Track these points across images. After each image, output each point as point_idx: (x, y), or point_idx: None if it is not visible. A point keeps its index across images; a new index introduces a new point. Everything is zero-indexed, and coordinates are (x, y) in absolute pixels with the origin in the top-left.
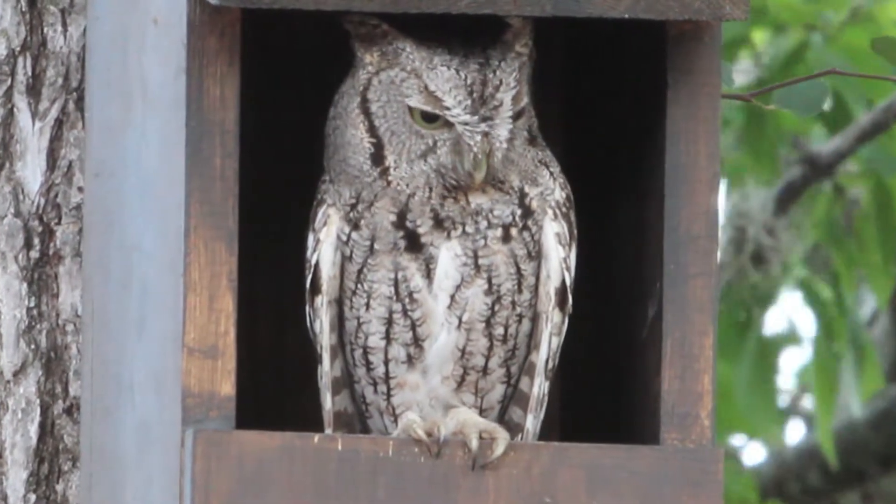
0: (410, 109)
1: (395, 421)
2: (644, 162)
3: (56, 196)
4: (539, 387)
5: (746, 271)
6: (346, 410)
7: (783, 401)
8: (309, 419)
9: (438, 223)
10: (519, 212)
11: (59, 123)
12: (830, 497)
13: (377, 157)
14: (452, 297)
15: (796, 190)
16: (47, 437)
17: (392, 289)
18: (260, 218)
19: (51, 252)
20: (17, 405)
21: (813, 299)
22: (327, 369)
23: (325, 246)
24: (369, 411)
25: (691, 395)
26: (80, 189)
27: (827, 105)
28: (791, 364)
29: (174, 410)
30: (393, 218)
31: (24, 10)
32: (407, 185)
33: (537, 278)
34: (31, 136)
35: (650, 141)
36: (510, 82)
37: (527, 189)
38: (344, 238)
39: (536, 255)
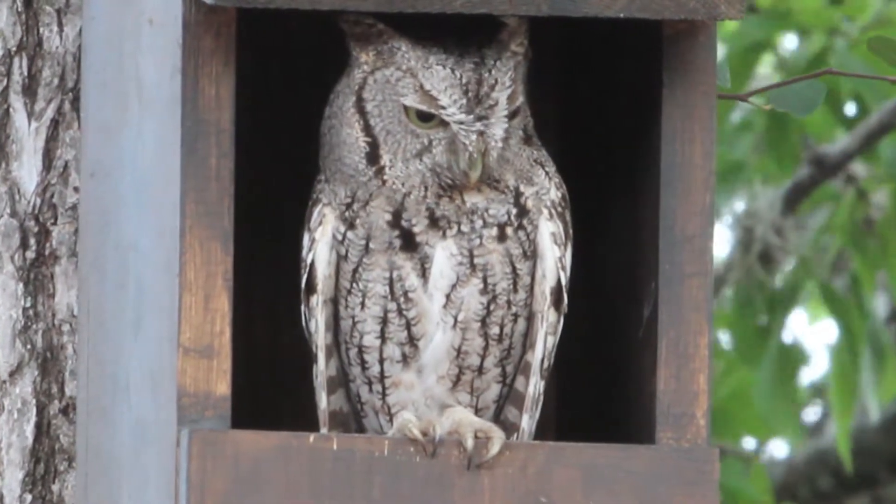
0: (406, 108)
1: (391, 420)
2: (639, 161)
3: (52, 196)
4: (534, 386)
5: (754, 271)
6: (342, 410)
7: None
8: (305, 419)
9: (434, 222)
10: (514, 211)
11: (55, 123)
12: (841, 501)
13: (372, 157)
14: (448, 296)
15: (804, 189)
16: (43, 438)
17: (387, 288)
18: (255, 217)
19: (47, 252)
20: (13, 405)
21: (833, 303)
22: (322, 368)
23: (320, 245)
24: (364, 410)
25: (687, 395)
26: (76, 189)
27: (851, 109)
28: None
29: (170, 410)
30: (388, 217)
31: (20, 10)
32: (402, 185)
33: (533, 278)
34: (27, 136)
35: (645, 140)
36: (505, 81)
37: (522, 188)
38: (339, 237)
39: (532, 255)
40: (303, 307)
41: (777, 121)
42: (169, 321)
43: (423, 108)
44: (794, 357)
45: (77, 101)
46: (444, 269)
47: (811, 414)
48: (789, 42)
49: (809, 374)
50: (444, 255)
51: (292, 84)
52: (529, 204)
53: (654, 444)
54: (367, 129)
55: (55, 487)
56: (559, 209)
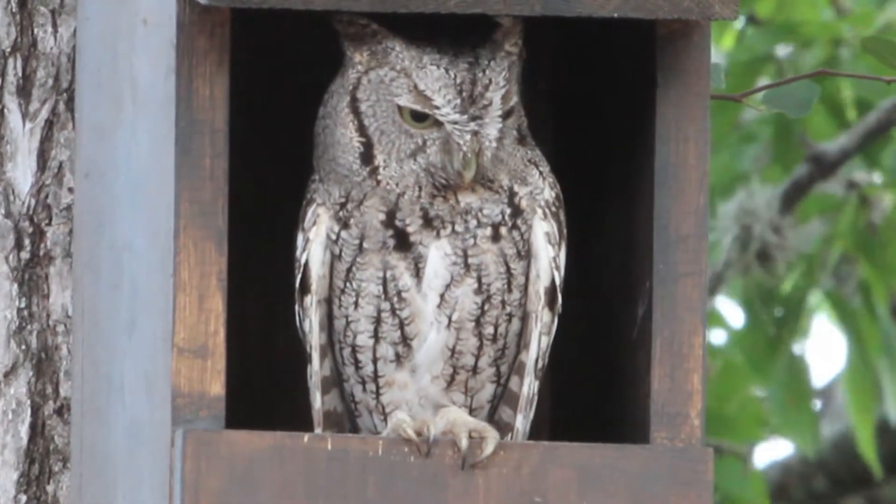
0: (400, 109)
1: (385, 420)
2: (634, 161)
3: (46, 197)
4: (529, 386)
5: (752, 270)
6: (336, 410)
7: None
8: (299, 418)
9: (428, 222)
10: (508, 211)
11: (49, 124)
12: (836, 502)
13: (367, 157)
14: (442, 296)
15: (803, 188)
16: (38, 438)
17: (380, 287)
18: (250, 217)
19: (41, 253)
20: (7, 406)
21: (841, 312)
22: (317, 368)
23: (314, 245)
24: (358, 410)
25: (681, 395)
26: (71, 190)
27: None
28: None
29: (164, 410)
30: (382, 217)
31: (14, 10)
32: (396, 185)
33: (527, 277)
34: (22, 136)
35: (640, 140)
36: (499, 81)
37: (516, 188)
38: (333, 237)
39: (526, 255)
40: (297, 307)
41: (783, 129)
42: (163, 321)
43: (418, 108)
44: (804, 367)
45: (71, 102)
46: (438, 268)
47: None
48: (783, 50)
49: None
50: (438, 254)
51: (286, 84)
52: (523, 204)
53: (648, 444)
54: (362, 130)
55: (50, 488)
56: (553, 209)
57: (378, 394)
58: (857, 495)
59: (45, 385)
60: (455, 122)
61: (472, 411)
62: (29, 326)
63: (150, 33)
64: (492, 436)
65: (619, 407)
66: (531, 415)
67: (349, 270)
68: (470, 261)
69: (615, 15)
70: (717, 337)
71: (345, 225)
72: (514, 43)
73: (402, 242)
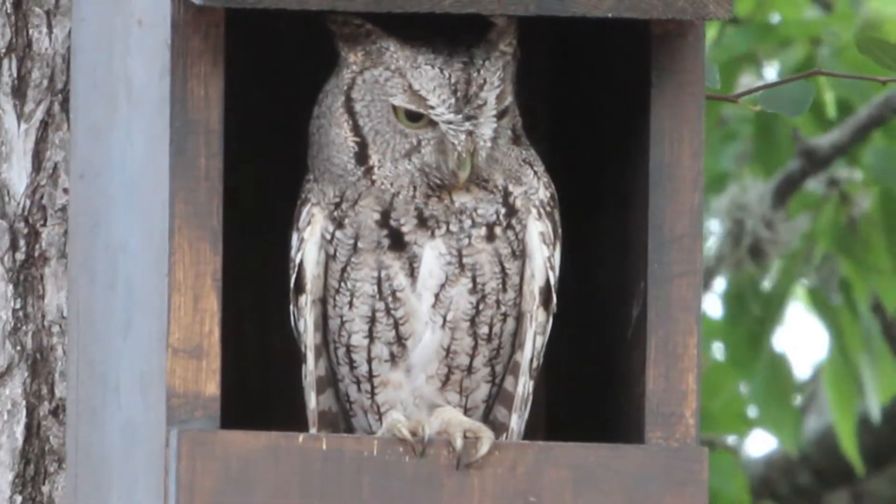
0: (395, 108)
1: (380, 419)
2: (628, 161)
3: (41, 198)
4: (524, 386)
5: (744, 265)
6: (331, 409)
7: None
8: (294, 418)
9: (422, 222)
10: (503, 211)
11: (44, 125)
12: (820, 497)
13: (361, 157)
14: (437, 295)
15: (795, 183)
16: (33, 439)
17: (375, 287)
18: (244, 217)
19: (36, 254)
20: (2, 407)
21: (822, 309)
22: (311, 368)
23: (309, 245)
24: (353, 410)
25: (676, 395)
26: (66, 191)
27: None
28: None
29: (159, 410)
30: (377, 217)
31: (9, 11)
32: (391, 185)
33: (521, 277)
34: (17, 137)
35: (634, 140)
36: (494, 81)
37: (511, 188)
38: (328, 237)
39: (521, 255)
40: (291, 307)
41: (765, 127)
42: (158, 321)
43: (412, 107)
44: (786, 364)
45: (66, 103)
46: (432, 268)
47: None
48: (770, 54)
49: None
50: (432, 254)
51: (281, 84)
52: (518, 204)
53: (643, 444)
54: (356, 129)
55: (45, 489)
56: (548, 209)
57: (373, 394)
58: (842, 490)
59: (41, 386)
60: (450, 122)
61: (466, 411)
62: (24, 327)
63: (144, 34)
64: (487, 436)
65: (614, 407)
66: (526, 415)
67: (344, 270)
68: (464, 260)
69: (609, 15)
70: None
71: (339, 225)
72: (508, 43)
73: (397, 242)
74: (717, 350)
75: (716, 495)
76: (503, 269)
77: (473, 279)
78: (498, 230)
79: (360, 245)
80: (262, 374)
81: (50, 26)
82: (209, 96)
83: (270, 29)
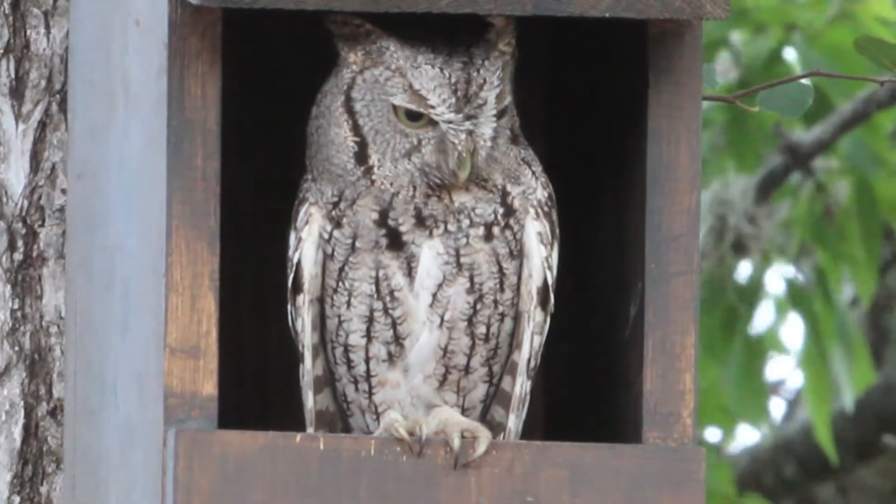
0: (395, 108)
1: (378, 419)
2: (626, 161)
3: (39, 198)
4: (521, 386)
5: (727, 260)
6: (328, 409)
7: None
8: (292, 418)
9: (420, 221)
10: (501, 210)
11: (42, 125)
12: (806, 489)
13: (361, 156)
14: (434, 295)
15: (777, 178)
16: (31, 439)
17: (373, 287)
18: (242, 217)
19: (34, 254)
20: (0, 407)
21: (798, 299)
22: (309, 368)
23: (306, 244)
24: (351, 410)
25: (673, 395)
26: (64, 191)
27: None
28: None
29: (157, 411)
30: (375, 216)
31: (6, 12)
32: (391, 184)
33: (519, 277)
34: (15, 138)
35: (632, 140)
36: (494, 81)
37: (509, 188)
38: (326, 236)
39: (518, 254)
40: (289, 306)
41: (736, 117)
42: (155, 322)
43: (413, 107)
44: (760, 349)
45: (64, 103)
46: (430, 268)
47: (781, 401)
48: (744, 39)
49: (778, 365)
50: (430, 254)
51: (279, 84)
52: (516, 203)
53: (640, 444)
54: (356, 129)
55: (43, 489)
56: (545, 209)
57: (370, 393)
58: (828, 482)
59: (39, 386)
60: (450, 122)
61: (464, 411)
62: (22, 328)
63: (142, 34)
64: (484, 435)
65: (612, 407)
66: (523, 414)
67: (341, 270)
68: (462, 260)
69: (607, 15)
70: None
71: (337, 224)
72: (507, 42)
73: (395, 242)
74: None
75: None
76: (501, 269)
77: (471, 279)
78: (496, 230)
79: (357, 245)
80: (259, 374)
81: (48, 27)
82: (206, 96)
83: (268, 29)
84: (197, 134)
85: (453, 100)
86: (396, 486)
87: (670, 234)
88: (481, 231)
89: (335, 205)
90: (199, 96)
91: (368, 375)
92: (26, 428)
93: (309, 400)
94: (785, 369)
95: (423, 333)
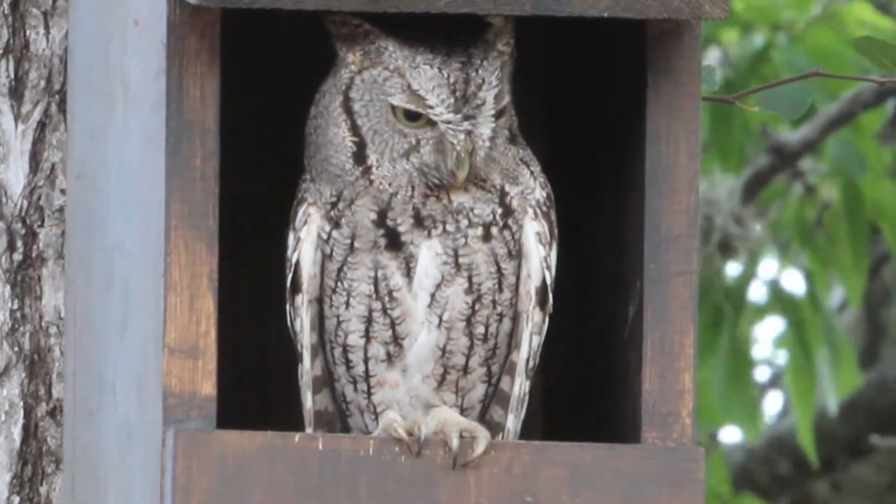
0: (393, 108)
1: (376, 419)
2: (625, 161)
3: (39, 199)
4: (520, 386)
5: (714, 261)
6: (327, 409)
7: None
8: (291, 418)
9: (419, 222)
10: (499, 210)
11: (41, 126)
12: (800, 486)
13: (359, 156)
14: (433, 295)
15: (764, 178)
16: (31, 440)
17: (372, 287)
18: (240, 217)
19: (34, 254)
20: (0, 407)
21: (784, 302)
22: (308, 368)
23: (305, 245)
24: (350, 410)
25: (672, 394)
26: (63, 191)
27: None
28: (769, 333)
29: (155, 411)
30: (373, 216)
31: (6, 12)
32: (389, 185)
33: (518, 277)
34: (14, 138)
35: (631, 140)
36: (492, 81)
37: (507, 188)
38: (324, 236)
39: (517, 254)
40: (288, 307)
41: (721, 116)
42: (154, 322)
43: (411, 107)
44: (747, 352)
45: (64, 104)
46: (428, 268)
47: (774, 399)
48: (732, 39)
49: (767, 367)
50: (429, 254)
51: (277, 84)
52: (514, 203)
53: (639, 444)
54: (355, 129)
55: (43, 490)
56: (544, 209)
57: (369, 393)
58: (822, 479)
59: (38, 386)
60: (448, 122)
61: (463, 411)
62: (21, 328)
63: (141, 34)
64: (483, 435)
65: (611, 407)
66: (522, 414)
67: (340, 270)
68: (461, 260)
69: (605, 15)
70: None
71: (336, 224)
72: (506, 42)
73: (394, 242)
74: None
75: None
76: (499, 269)
77: (469, 279)
78: (494, 230)
79: (356, 245)
80: (258, 375)
81: (47, 27)
82: (205, 96)
83: (266, 29)
84: (196, 134)
85: (452, 100)
86: (395, 486)
87: (669, 234)
88: (480, 231)
89: (334, 205)
90: (197, 97)
91: (367, 375)
92: (26, 428)
93: (308, 400)
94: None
95: (421, 333)
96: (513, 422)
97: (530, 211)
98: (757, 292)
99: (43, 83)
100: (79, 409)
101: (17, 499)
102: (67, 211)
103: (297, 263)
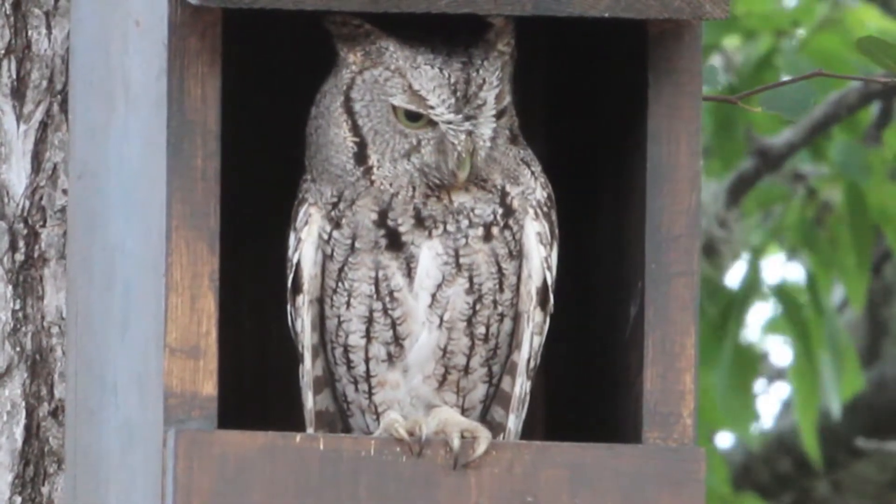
0: (394, 108)
1: (377, 419)
2: (625, 161)
3: (41, 199)
4: (521, 386)
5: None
6: (328, 409)
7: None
8: (292, 418)
9: (420, 222)
10: (500, 211)
11: (43, 126)
12: (801, 485)
13: (360, 157)
14: (433, 296)
15: (748, 182)
16: (33, 440)
17: (372, 287)
18: (242, 217)
19: (36, 255)
20: (2, 408)
21: (788, 306)
22: (309, 368)
23: (306, 245)
24: (351, 410)
25: (673, 395)
26: (65, 191)
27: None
28: (758, 318)
29: (156, 411)
30: (374, 216)
31: (8, 13)
32: (390, 185)
33: (518, 278)
34: (16, 138)
35: (632, 140)
36: (493, 81)
37: (508, 188)
38: (325, 237)
39: (518, 255)
40: (289, 307)
41: (724, 121)
42: (155, 322)
43: (412, 107)
44: (750, 358)
45: (66, 104)
46: (429, 268)
47: (776, 398)
48: (735, 45)
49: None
50: (429, 254)
51: (278, 84)
52: (515, 204)
53: (640, 444)
54: (356, 129)
55: (45, 490)
56: (545, 209)
57: (370, 393)
58: (822, 478)
59: (40, 387)
60: (449, 122)
61: (464, 411)
62: (24, 328)
63: (142, 34)
64: (484, 435)
65: (612, 407)
66: (523, 415)
67: (341, 270)
68: (461, 261)
69: (606, 15)
70: None
71: (337, 225)
72: (506, 42)
73: (394, 242)
74: None
75: None
76: (500, 270)
77: (470, 279)
78: (495, 230)
79: (357, 245)
80: (259, 375)
81: (49, 27)
82: (206, 96)
83: (267, 29)
84: (197, 134)
85: (453, 100)
86: (396, 486)
87: (670, 234)
88: (480, 231)
89: (334, 205)
90: (198, 97)
91: (368, 376)
92: (28, 428)
93: (309, 400)
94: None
95: (422, 334)
96: (514, 422)
97: (531, 211)
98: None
99: (45, 83)
100: (80, 409)
101: (19, 499)
102: (69, 211)
103: (298, 264)
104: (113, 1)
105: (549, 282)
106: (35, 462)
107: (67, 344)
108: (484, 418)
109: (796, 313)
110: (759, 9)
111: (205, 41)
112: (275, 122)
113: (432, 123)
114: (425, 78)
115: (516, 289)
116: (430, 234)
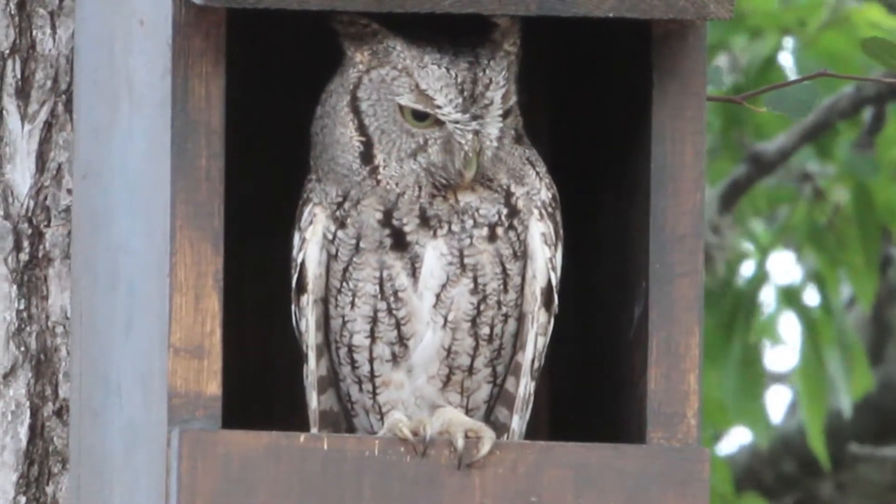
0: (401, 108)
1: (381, 419)
2: (630, 161)
3: (45, 199)
4: (525, 387)
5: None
6: (332, 409)
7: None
8: (296, 418)
9: (425, 222)
10: (505, 211)
11: (48, 126)
12: (805, 485)
13: (367, 156)
14: (438, 296)
15: (741, 187)
16: (37, 440)
17: (377, 287)
18: (246, 217)
19: (40, 254)
20: (6, 407)
21: (796, 306)
22: (313, 368)
23: (310, 245)
24: (355, 410)
25: (677, 395)
26: (70, 191)
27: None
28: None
29: (160, 411)
30: (379, 216)
31: (12, 12)
32: (396, 184)
33: (523, 278)
34: (21, 138)
35: (636, 140)
36: (500, 81)
37: (513, 188)
38: (330, 237)
39: (522, 255)
40: (293, 307)
41: (733, 122)
42: (159, 322)
43: (419, 107)
44: (759, 358)
45: (70, 104)
46: (434, 268)
47: (782, 398)
48: (742, 44)
49: (777, 365)
50: (434, 254)
51: (282, 84)
52: (520, 204)
53: (644, 444)
54: (362, 129)
55: (49, 489)
56: (550, 209)
57: (374, 393)
58: (827, 479)
59: (45, 386)
60: (456, 122)
61: (468, 411)
62: (28, 328)
63: (146, 34)
64: (488, 436)
65: (616, 407)
66: (527, 415)
67: (346, 270)
68: (466, 261)
69: (610, 15)
70: None
71: (341, 224)
72: (512, 42)
73: (399, 242)
74: None
75: None
76: (504, 270)
77: (475, 279)
78: (500, 230)
79: (361, 245)
80: (263, 374)
81: (53, 27)
82: (210, 96)
83: (271, 29)
84: (201, 134)
85: (460, 100)
86: (400, 486)
87: (674, 234)
88: (485, 232)
89: (339, 205)
90: (203, 97)
91: (372, 376)
92: (32, 428)
93: (313, 400)
94: (784, 363)
95: (426, 334)
96: (518, 422)
97: (536, 212)
98: (768, 294)
99: (49, 83)
100: (84, 409)
101: (23, 499)
102: (73, 211)
103: (303, 263)
104: (117, 1)
105: (554, 282)
106: (39, 462)
107: (72, 344)
108: (488, 419)
109: (805, 313)
110: (765, 7)
111: (209, 41)
112: (279, 122)
113: (439, 123)
114: (432, 77)
115: (521, 289)
116: (434, 234)
